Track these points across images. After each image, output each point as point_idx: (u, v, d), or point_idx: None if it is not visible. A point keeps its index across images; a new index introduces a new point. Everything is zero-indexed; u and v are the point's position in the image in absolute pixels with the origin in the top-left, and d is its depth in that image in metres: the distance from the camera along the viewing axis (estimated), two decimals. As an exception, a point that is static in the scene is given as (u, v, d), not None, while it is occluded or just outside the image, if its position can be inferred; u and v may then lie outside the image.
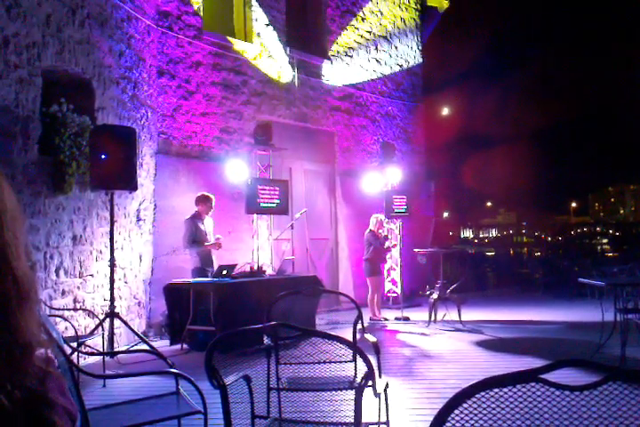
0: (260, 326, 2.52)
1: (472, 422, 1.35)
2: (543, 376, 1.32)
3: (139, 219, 7.60)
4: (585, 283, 6.65)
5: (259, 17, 10.00)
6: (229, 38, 9.54)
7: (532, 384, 1.33)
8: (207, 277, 7.12)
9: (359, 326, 4.05)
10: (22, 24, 5.45)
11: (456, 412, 1.34)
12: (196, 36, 8.99)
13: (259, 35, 9.98)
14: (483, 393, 1.33)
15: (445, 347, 6.94)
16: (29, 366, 0.80)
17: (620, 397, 1.34)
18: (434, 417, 1.33)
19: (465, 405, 1.34)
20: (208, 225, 7.52)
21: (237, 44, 9.63)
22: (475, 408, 1.34)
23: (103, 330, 5.68)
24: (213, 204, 7.48)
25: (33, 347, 0.82)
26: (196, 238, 7.26)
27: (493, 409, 1.37)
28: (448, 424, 1.34)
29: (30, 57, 5.55)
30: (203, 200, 7.43)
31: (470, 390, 1.33)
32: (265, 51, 10.06)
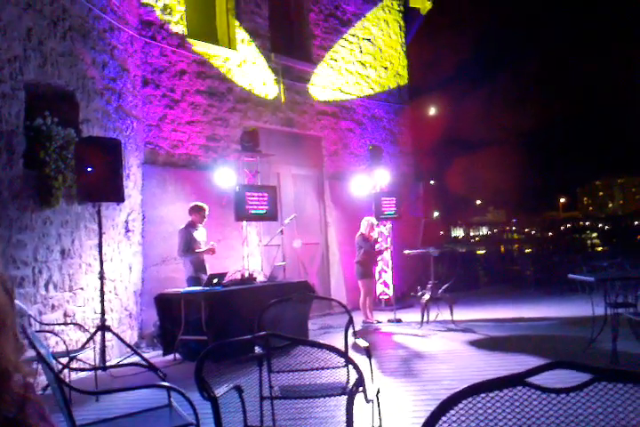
0: (250, 336, 2.52)
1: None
2: (529, 380, 1.33)
3: (127, 230, 7.58)
4: (575, 279, 6.68)
5: (242, 24, 10.01)
6: (213, 46, 9.54)
7: (520, 388, 1.35)
8: (202, 285, 7.13)
9: (351, 331, 4.06)
10: (3, 38, 5.43)
11: (444, 419, 1.35)
12: (179, 44, 8.98)
13: (242, 42, 9.99)
14: (471, 398, 1.35)
15: (438, 347, 6.96)
16: (7, 392, 0.80)
17: (605, 397, 1.36)
18: (423, 423, 1.35)
19: (452, 411, 1.35)
20: (201, 234, 7.57)
21: (221, 52, 9.63)
22: (463, 414, 1.36)
23: (95, 343, 5.65)
24: (207, 213, 7.57)
25: (10, 373, 0.82)
26: (190, 247, 7.31)
27: (481, 414, 1.38)
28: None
29: (12, 71, 5.53)
30: (196, 210, 7.51)
31: (458, 395, 1.34)
32: (249, 57, 10.07)
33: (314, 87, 11.28)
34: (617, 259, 9.23)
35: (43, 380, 3.52)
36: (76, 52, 6.65)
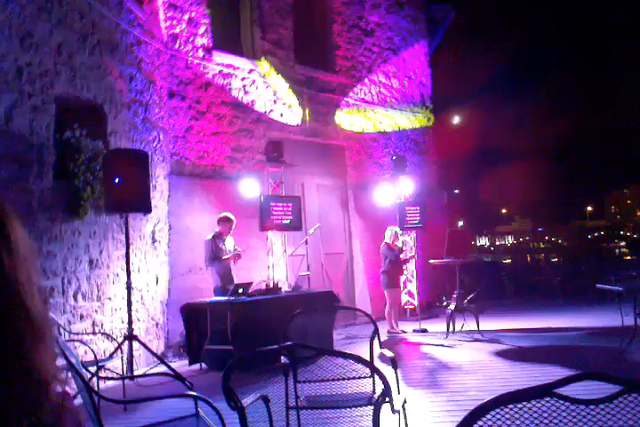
0: (276, 346, 2.54)
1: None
2: (559, 390, 1.32)
3: (154, 240, 7.66)
4: (603, 289, 6.59)
5: (266, 36, 10.11)
6: (238, 58, 9.65)
7: (548, 399, 1.34)
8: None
9: (376, 341, 4.05)
10: (35, 54, 5.57)
11: (473, 427, 1.35)
12: (204, 56, 9.11)
13: (266, 53, 10.09)
14: (499, 409, 1.34)
15: (464, 358, 6.90)
16: (45, 401, 0.83)
17: (636, 409, 1.34)
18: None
19: (480, 422, 1.34)
20: (229, 244, 7.62)
21: (246, 63, 9.74)
22: (494, 422, 1.35)
23: (122, 353, 5.71)
24: (234, 225, 7.63)
25: (49, 383, 0.84)
26: (216, 256, 7.38)
27: (513, 422, 1.37)
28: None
29: (43, 85, 5.66)
30: (224, 221, 7.59)
31: (486, 406, 1.34)
32: (273, 68, 10.16)
33: (337, 97, 11.33)
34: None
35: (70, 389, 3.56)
36: (105, 65, 6.78)
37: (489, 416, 1.35)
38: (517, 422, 1.38)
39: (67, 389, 0.92)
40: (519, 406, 1.36)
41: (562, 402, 1.34)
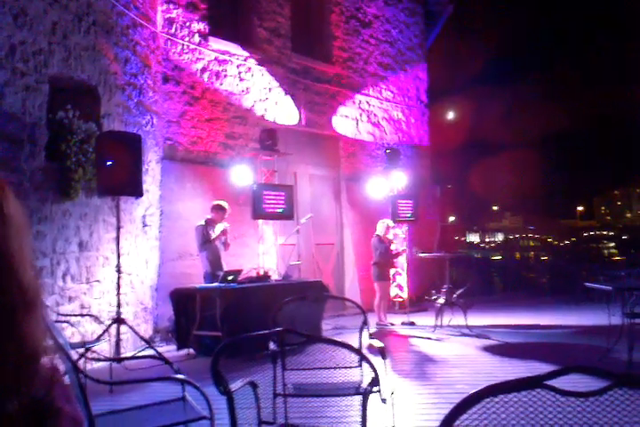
0: (266, 332, 2.53)
1: (478, 428, 1.35)
2: (549, 382, 1.32)
3: (145, 224, 7.62)
4: (592, 287, 6.62)
5: (263, 23, 10.04)
6: (234, 44, 9.58)
7: (538, 390, 1.33)
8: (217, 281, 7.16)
9: (365, 332, 4.05)
10: (29, 32, 5.49)
11: (461, 418, 1.34)
12: (200, 42, 9.03)
13: (263, 41, 10.02)
14: (488, 399, 1.33)
15: (452, 352, 6.92)
16: (36, 374, 0.81)
17: (625, 403, 1.34)
18: (440, 423, 1.34)
19: (470, 411, 1.34)
20: (218, 230, 7.60)
21: (242, 50, 9.66)
22: (481, 414, 1.34)
23: (110, 336, 5.69)
24: (227, 214, 7.59)
25: (39, 356, 0.82)
26: (207, 240, 7.36)
27: (499, 415, 1.37)
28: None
29: (37, 64, 5.59)
30: (218, 209, 7.55)
31: (476, 396, 1.33)
32: (269, 56, 10.09)
33: (333, 88, 11.28)
34: (635, 269, 9.12)
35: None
36: (99, 47, 6.71)
37: (479, 406, 1.34)
38: (507, 412, 1.37)
39: (56, 363, 0.90)
40: (509, 396, 1.35)
41: (553, 394, 1.33)
